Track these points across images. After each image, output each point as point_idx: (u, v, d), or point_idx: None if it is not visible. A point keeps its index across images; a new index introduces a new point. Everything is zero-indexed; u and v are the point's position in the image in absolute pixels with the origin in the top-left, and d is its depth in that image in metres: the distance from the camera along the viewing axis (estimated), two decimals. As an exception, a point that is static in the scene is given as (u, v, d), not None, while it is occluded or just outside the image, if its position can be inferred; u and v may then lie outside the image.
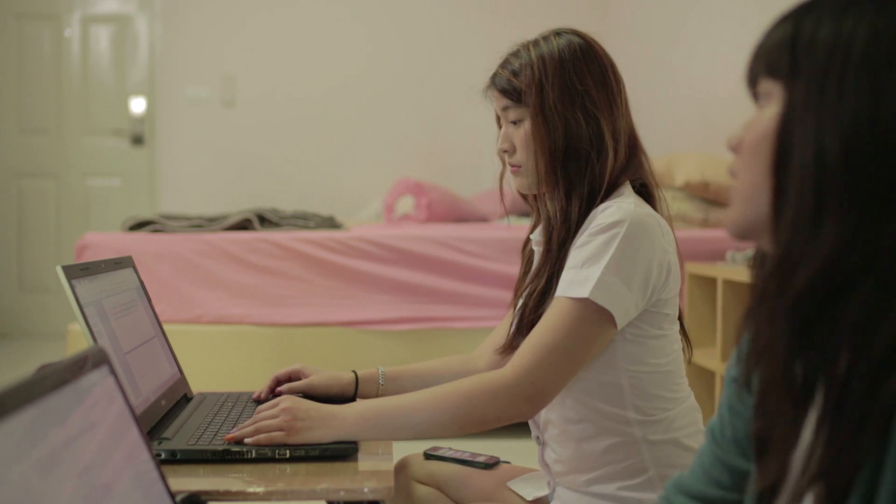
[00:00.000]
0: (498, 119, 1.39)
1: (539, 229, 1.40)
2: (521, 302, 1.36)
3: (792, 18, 0.67)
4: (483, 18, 5.23)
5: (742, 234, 0.70)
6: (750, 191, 0.68)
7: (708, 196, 3.41)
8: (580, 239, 1.24)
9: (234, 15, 5.17)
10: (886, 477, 0.57)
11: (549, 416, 1.31)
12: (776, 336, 0.64)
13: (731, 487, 0.81)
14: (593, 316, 1.19)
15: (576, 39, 1.32)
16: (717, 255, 3.10)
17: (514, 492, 1.38)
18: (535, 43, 1.33)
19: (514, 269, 3.25)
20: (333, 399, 1.36)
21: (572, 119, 1.28)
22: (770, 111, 0.67)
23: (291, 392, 1.41)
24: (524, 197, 1.44)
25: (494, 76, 1.36)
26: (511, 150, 1.35)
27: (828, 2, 0.66)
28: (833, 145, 0.61)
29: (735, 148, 0.70)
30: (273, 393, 1.44)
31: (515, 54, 1.34)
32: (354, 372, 1.47)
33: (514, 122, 1.34)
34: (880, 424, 0.58)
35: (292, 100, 5.17)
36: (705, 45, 3.89)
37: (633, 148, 1.33)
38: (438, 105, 5.24)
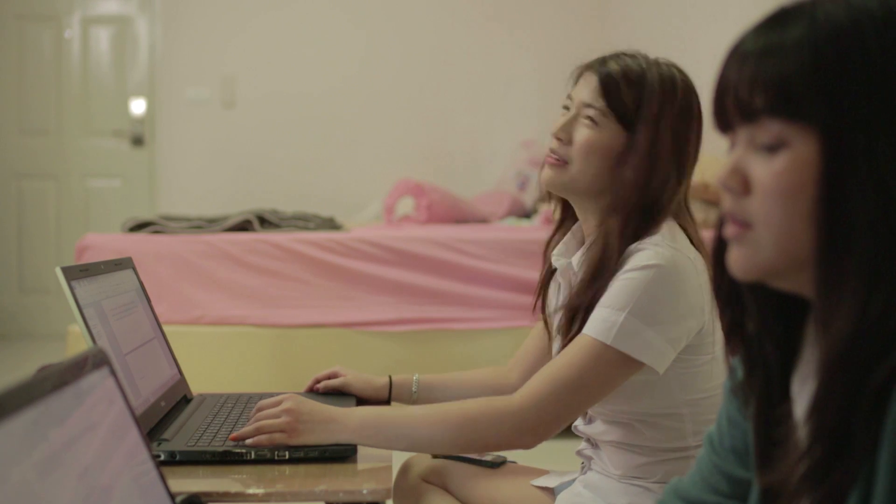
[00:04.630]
0: (566, 100, 1.30)
1: (564, 244, 1.36)
2: (556, 341, 1.34)
3: (798, 40, 0.60)
4: (483, 20, 5.23)
5: (759, 277, 0.66)
6: (777, 241, 0.63)
7: (708, 197, 3.41)
8: (616, 278, 1.20)
9: (234, 16, 5.17)
10: (879, 485, 0.57)
11: (604, 437, 1.29)
12: (836, 395, 0.60)
13: (728, 495, 0.81)
14: (615, 361, 1.16)
15: (696, 97, 1.27)
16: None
17: (535, 486, 1.38)
18: (656, 63, 1.26)
19: (514, 270, 3.28)
20: (366, 401, 1.43)
21: (664, 166, 1.23)
22: (793, 158, 0.61)
23: (328, 389, 1.48)
24: (549, 195, 1.37)
25: (605, 65, 1.25)
26: (566, 142, 1.27)
27: (833, 24, 0.60)
28: None
29: (737, 191, 0.65)
30: (311, 390, 1.51)
31: (633, 57, 1.26)
32: (389, 377, 1.50)
33: (590, 120, 1.25)
34: (871, 434, 0.58)
35: (293, 101, 5.17)
36: (705, 44, 3.89)
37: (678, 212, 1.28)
38: (439, 106, 5.24)
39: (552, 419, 1.18)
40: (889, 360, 0.58)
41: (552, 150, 1.28)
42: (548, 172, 1.29)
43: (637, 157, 1.22)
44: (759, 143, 0.64)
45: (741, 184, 0.65)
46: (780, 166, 0.62)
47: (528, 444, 1.20)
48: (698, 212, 3.46)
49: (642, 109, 1.23)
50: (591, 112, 1.25)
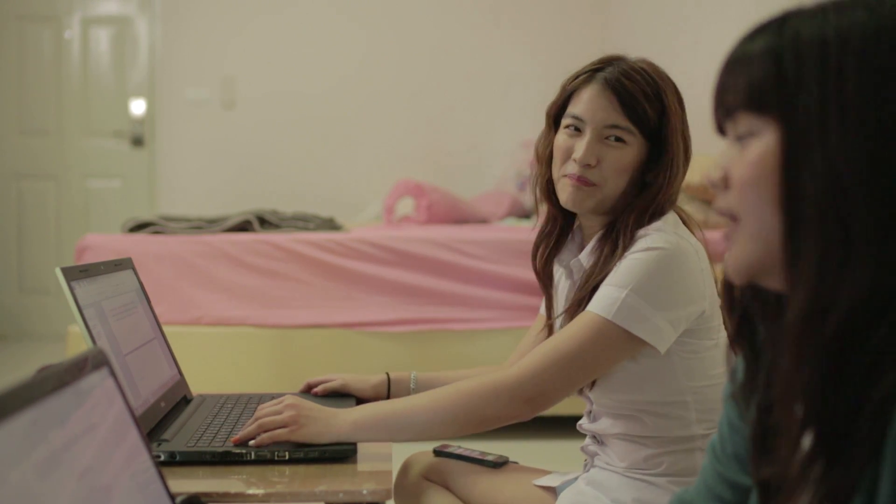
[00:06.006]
0: (574, 120, 1.29)
1: (567, 250, 1.39)
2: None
3: (765, 47, 0.65)
4: (483, 19, 5.23)
5: (749, 276, 0.68)
6: (756, 231, 0.66)
7: (708, 198, 3.41)
8: (621, 260, 1.23)
9: (234, 17, 5.17)
10: (883, 490, 0.57)
11: (610, 431, 1.30)
12: (801, 381, 0.62)
13: (732, 502, 0.81)
14: (616, 337, 1.19)
15: (669, 76, 1.31)
16: (716, 257, 3.09)
17: (537, 486, 1.38)
18: (653, 68, 1.29)
19: (514, 270, 3.28)
20: (366, 401, 1.41)
21: (685, 153, 1.31)
22: (760, 147, 0.65)
23: (326, 392, 1.47)
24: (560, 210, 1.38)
25: (617, 82, 1.26)
26: (595, 165, 1.27)
27: (798, 19, 0.64)
28: (849, 172, 0.59)
29: (720, 186, 0.69)
30: (307, 391, 1.50)
31: (640, 72, 1.27)
32: (387, 374, 1.51)
33: (618, 140, 1.27)
34: (874, 441, 0.58)
35: (292, 101, 5.17)
36: (705, 44, 3.89)
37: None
38: (438, 106, 5.24)
39: (549, 390, 1.20)
40: (891, 374, 0.58)
41: (582, 175, 1.28)
42: (577, 195, 1.29)
43: (666, 165, 1.28)
44: (735, 136, 0.68)
45: (722, 178, 0.69)
46: (750, 156, 0.66)
47: (524, 415, 1.22)
48: (698, 212, 3.46)
49: (665, 121, 1.27)
50: (617, 132, 1.27)
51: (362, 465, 1.16)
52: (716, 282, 1.27)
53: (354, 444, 1.18)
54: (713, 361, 1.25)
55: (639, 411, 1.26)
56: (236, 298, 3.15)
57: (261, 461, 1.15)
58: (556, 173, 1.32)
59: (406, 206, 4.19)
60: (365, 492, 1.06)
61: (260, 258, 3.18)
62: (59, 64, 5.24)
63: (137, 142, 5.23)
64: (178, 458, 1.15)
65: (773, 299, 0.71)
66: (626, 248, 1.24)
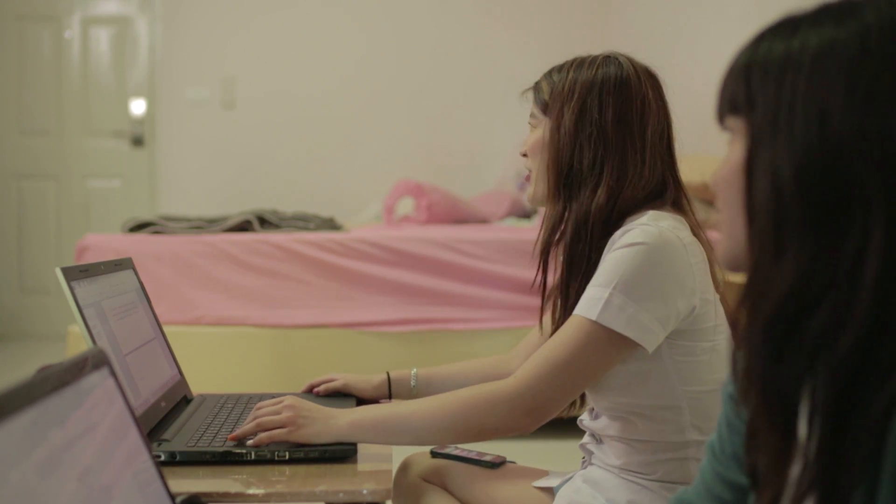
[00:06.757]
0: None
1: None
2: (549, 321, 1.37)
3: (746, 51, 0.70)
4: (482, 20, 5.23)
5: (733, 266, 0.74)
6: (729, 225, 0.71)
7: (707, 197, 3.41)
8: (603, 258, 1.22)
9: (234, 17, 5.18)
10: (883, 490, 0.57)
11: (606, 431, 1.29)
12: (752, 359, 0.67)
13: (732, 502, 0.81)
14: (604, 338, 1.16)
15: (617, 72, 1.29)
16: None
17: (536, 488, 1.38)
18: (581, 63, 1.32)
19: (515, 270, 3.28)
20: (367, 401, 1.43)
21: (577, 144, 1.28)
22: (737, 146, 0.70)
23: (328, 392, 1.48)
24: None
25: (537, 82, 1.37)
26: (527, 155, 1.36)
27: (777, 29, 0.68)
28: (786, 174, 0.64)
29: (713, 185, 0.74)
30: (309, 392, 1.52)
31: (560, 68, 1.34)
32: (388, 373, 1.52)
33: (531, 126, 1.36)
34: (870, 440, 0.59)
35: (292, 101, 5.17)
36: (705, 45, 3.89)
37: (658, 193, 1.29)
38: (438, 106, 5.24)
39: (547, 400, 1.18)
40: (888, 388, 0.59)
41: (527, 169, 1.38)
42: (527, 191, 1.38)
43: (549, 133, 1.31)
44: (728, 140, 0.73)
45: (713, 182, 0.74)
46: (726, 157, 0.72)
47: (525, 427, 1.20)
48: (698, 212, 3.46)
49: (552, 98, 1.32)
50: (531, 120, 1.36)
51: (362, 465, 1.16)
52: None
53: (355, 444, 1.19)
54: (710, 366, 1.22)
55: (630, 414, 1.24)
56: (236, 298, 3.15)
57: (261, 461, 1.16)
58: None
59: (406, 206, 4.19)
60: (365, 492, 1.07)
61: (260, 258, 3.18)
62: (59, 64, 5.24)
63: (137, 142, 5.23)
64: (178, 458, 1.15)
65: None
66: (590, 244, 1.26)
